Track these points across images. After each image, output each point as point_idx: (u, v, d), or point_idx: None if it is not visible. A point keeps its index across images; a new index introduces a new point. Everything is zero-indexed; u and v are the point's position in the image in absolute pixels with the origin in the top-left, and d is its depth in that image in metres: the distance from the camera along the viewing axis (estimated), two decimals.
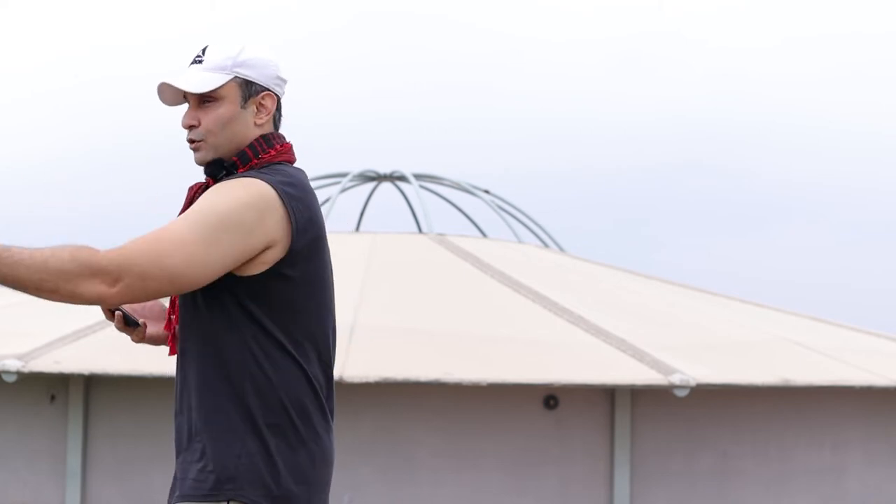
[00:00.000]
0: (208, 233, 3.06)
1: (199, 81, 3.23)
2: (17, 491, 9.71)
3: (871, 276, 26.68)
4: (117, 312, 3.28)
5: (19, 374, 9.08)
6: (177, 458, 3.26)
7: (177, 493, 3.20)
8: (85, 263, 2.97)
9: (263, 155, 3.26)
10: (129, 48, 27.71)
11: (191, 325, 3.21)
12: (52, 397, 9.73)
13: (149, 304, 3.38)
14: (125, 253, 3.01)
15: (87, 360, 9.19)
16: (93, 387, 9.73)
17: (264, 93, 3.28)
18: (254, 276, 3.13)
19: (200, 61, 3.26)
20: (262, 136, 3.28)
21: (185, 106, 3.31)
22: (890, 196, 28.52)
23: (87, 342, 9.54)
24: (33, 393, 9.71)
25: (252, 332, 3.15)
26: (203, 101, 3.24)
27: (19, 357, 9.14)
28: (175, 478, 3.26)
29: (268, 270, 3.14)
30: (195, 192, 3.32)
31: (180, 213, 3.29)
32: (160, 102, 3.31)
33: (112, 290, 3.00)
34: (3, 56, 28.74)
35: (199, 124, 3.24)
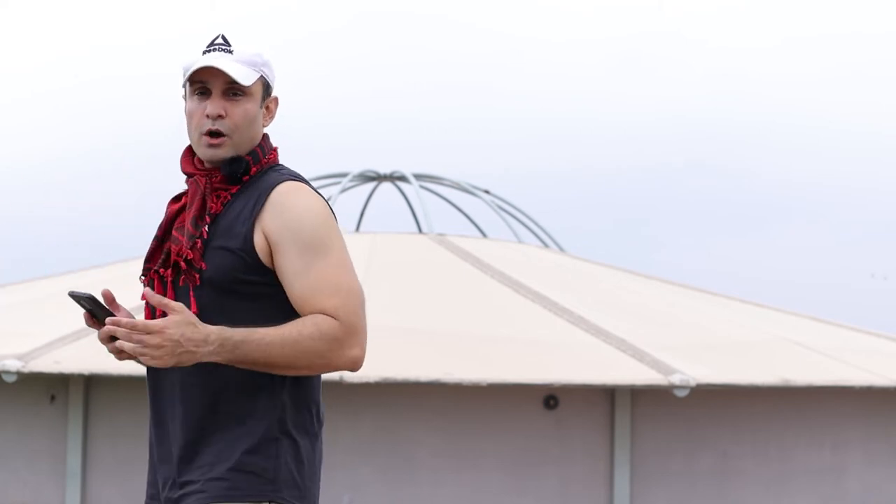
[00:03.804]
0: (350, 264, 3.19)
1: (244, 74, 3.19)
2: (17, 491, 9.71)
3: (871, 276, 26.67)
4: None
5: (19, 374, 9.07)
6: (177, 454, 3.16)
7: (202, 494, 3.10)
8: (333, 338, 3.07)
9: (269, 155, 3.27)
10: (129, 48, 27.72)
11: (222, 320, 3.09)
12: (52, 397, 9.73)
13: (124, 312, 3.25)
14: (349, 314, 3.10)
15: (87, 360, 9.18)
16: (93, 387, 9.73)
17: (274, 96, 3.30)
18: None
19: (230, 51, 3.19)
20: (265, 137, 3.29)
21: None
22: (890, 196, 28.53)
23: (87, 342, 9.54)
24: (33, 393, 9.70)
25: None
26: (232, 93, 3.19)
27: (19, 357, 9.14)
28: (174, 474, 3.15)
29: None
30: (188, 200, 3.21)
31: (166, 229, 3.22)
32: (185, 78, 3.22)
33: (361, 352, 3.12)
34: (3, 56, 28.75)
35: (226, 116, 3.19)
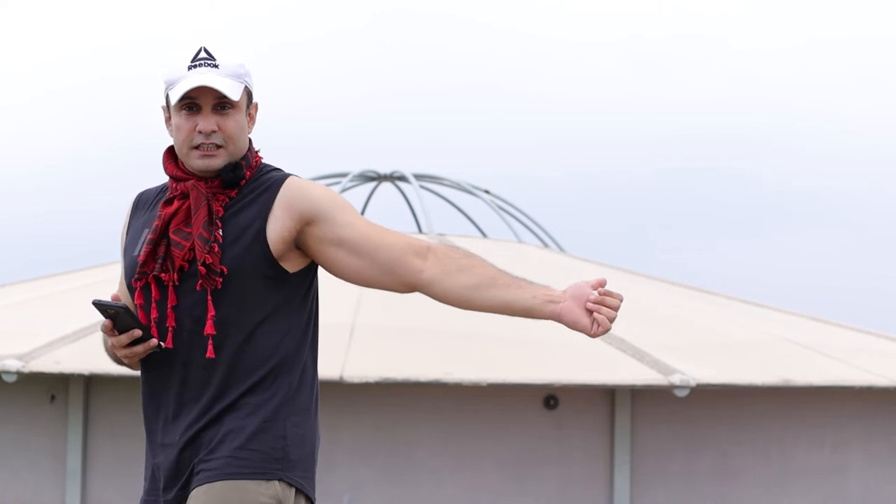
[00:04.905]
0: None
1: (234, 89, 3.26)
2: (17, 491, 9.72)
3: (871, 277, 26.69)
4: (134, 330, 3.19)
5: (19, 374, 9.07)
6: (184, 437, 3.20)
7: (210, 472, 3.14)
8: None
9: (255, 158, 3.36)
10: (128, 48, 27.72)
11: (237, 316, 3.20)
12: (52, 397, 9.73)
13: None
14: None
15: (87, 360, 9.18)
16: (93, 387, 9.73)
17: (255, 103, 3.39)
18: (306, 268, 3.30)
19: (216, 65, 3.26)
20: (249, 141, 3.38)
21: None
22: (890, 196, 28.54)
23: (87, 342, 9.54)
24: (33, 393, 9.71)
25: (302, 322, 3.28)
26: (221, 107, 3.26)
27: (19, 357, 9.14)
28: (177, 455, 3.20)
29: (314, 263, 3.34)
30: (180, 207, 3.27)
31: (161, 232, 3.25)
32: (178, 98, 3.25)
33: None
34: (3, 57, 28.75)
35: (218, 130, 3.26)
